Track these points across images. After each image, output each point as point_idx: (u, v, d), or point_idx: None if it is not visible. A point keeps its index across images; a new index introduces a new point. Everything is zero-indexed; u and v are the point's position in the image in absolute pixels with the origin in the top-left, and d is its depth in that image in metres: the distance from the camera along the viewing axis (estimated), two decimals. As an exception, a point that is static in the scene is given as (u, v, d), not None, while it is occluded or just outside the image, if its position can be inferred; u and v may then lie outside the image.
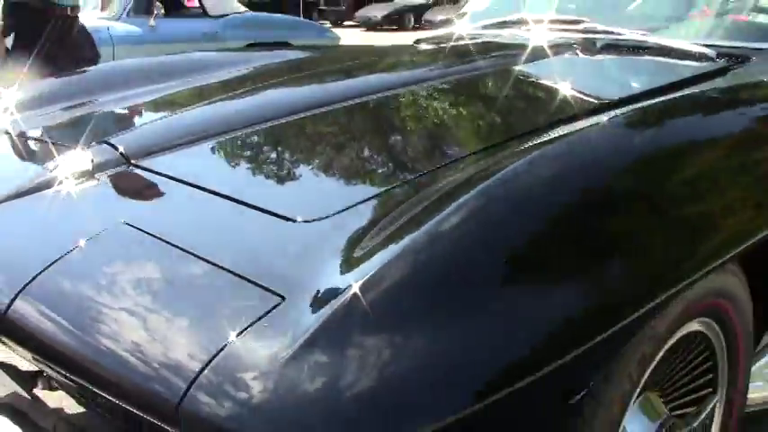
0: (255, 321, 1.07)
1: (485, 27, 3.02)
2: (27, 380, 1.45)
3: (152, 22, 7.64)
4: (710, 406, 1.68)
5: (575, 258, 1.22)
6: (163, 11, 8.00)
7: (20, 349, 1.29)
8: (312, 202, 1.50)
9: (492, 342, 1.06)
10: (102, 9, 7.70)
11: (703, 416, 1.62)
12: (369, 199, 1.41)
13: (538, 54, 2.50)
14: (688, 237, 1.39)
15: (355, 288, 1.05)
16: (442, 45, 2.96)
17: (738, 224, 1.54)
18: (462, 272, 1.12)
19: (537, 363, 1.08)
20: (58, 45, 3.84)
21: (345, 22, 27.79)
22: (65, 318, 1.23)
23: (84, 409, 1.32)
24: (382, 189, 1.48)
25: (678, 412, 1.61)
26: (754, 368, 1.97)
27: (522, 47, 2.57)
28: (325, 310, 1.05)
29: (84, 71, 2.91)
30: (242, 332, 1.06)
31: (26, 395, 1.44)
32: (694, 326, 1.55)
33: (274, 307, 1.10)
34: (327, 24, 24.32)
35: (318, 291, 1.10)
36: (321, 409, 0.96)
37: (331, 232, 1.28)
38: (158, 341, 1.11)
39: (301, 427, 0.95)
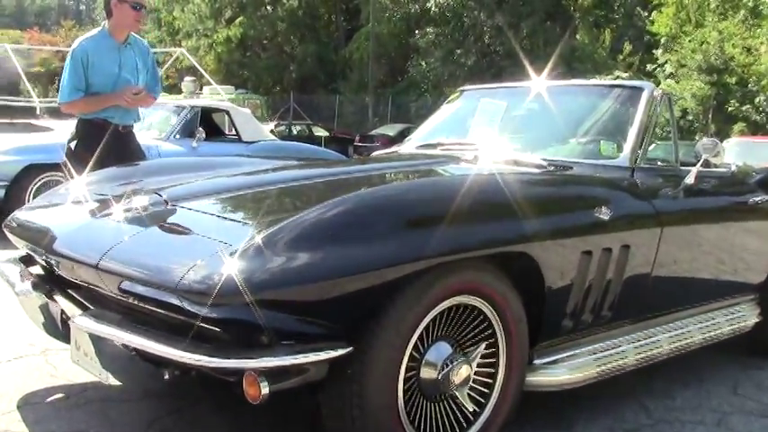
0: (212, 254, 2.35)
1: (417, 147, 4.44)
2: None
3: (194, 143, 8.91)
4: (484, 350, 2.83)
5: (390, 235, 2.48)
6: (204, 135, 9.07)
7: (105, 279, 2.58)
8: (252, 216, 2.87)
9: (326, 264, 2.32)
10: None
11: (476, 353, 2.80)
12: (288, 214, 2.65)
13: (435, 160, 3.89)
14: (454, 236, 2.61)
15: (260, 235, 2.35)
16: (382, 155, 4.39)
17: (492, 235, 2.77)
18: (319, 230, 2.42)
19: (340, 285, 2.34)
20: (109, 152, 4.66)
21: (377, 157, 29.31)
22: (120, 260, 2.56)
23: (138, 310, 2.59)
24: (297, 211, 2.69)
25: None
26: (556, 357, 3.15)
27: (430, 156, 3.96)
28: (245, 246, 2.32)
29: (137, 164, 4.34)
30: (207, 257, 2.33)
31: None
32: (469, 300, 2.74)
33: (221, 248, 2.38)
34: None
35: (245, 242, 2.36)
36: (232, 275, 2.22)
37: (257, 225, 2.58)
38: (175, 262, 2.40)
39: (227, 284, 2.20)
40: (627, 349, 3.43)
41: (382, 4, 38.44)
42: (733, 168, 4.57)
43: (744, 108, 24.34)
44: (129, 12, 4.79)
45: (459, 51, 34.87)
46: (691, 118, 25.51)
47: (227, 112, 10.36)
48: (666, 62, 27.27)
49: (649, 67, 28.53)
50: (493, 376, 2.89)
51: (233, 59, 43.70)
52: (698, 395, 3.88)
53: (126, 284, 2.50)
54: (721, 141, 3.97)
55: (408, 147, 4.63)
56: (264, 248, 2.31)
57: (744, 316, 4.26)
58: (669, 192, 3.70)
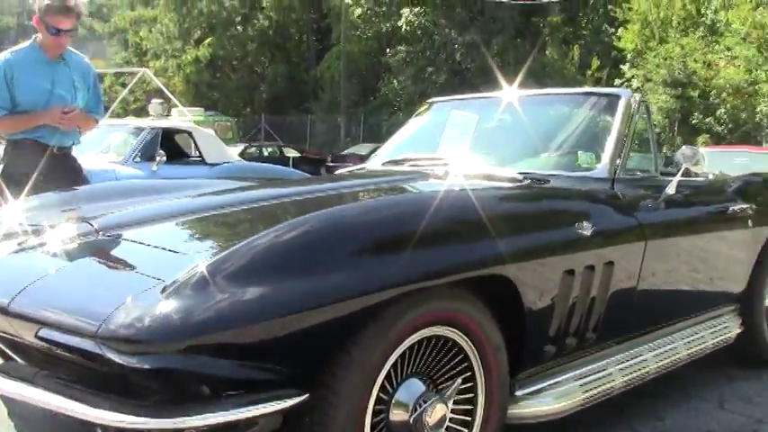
0: (143, 292, 2.05)
1: (384, 164, 4.16)
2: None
3: (154, 167, 8.56)
4: (461, 385, 2.54)
5: (351, 261, 2.21)
6: (165, 158, 8.75)
7: (16, 325, 2.26)
8: (194, 245, 2.60)
9: (279, 299, 2.02)
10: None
11: (451, 390, 2.50)
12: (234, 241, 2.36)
13: (402, 177, 3.64)
14: (423, 260, 2.34)
15: (201, 267, 2.05)
16: (346, 173, 4.11)
17: (465, 257, 2.49)
18: (271, 258, 2.13)
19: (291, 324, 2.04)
20: (45, 177, 4.22)
21: (351, 177, 29.09)
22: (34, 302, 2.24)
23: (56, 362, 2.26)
24: (245, 237, 2.39)
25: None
26: (539, 386, 2.90)
27: (397, 173, 3.70)
28: (183, 280, 2.02)
29: (75, 189, 3.93)
30: (136, 295, 2.02)
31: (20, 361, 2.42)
32: (442, 331, 2.46)
33: (154, 284, 2.08)
34: (332, 178, 25.56)
35: (183, 275, 2.07)
36: (166, 315, 1.92)
37: (199, 255, 2.27)
38: (97, 302, 2.09)
39: (148, 329, 1.91)
40: (613, 372, 3.23)
41: (353, 22, 38.31)
42: (710, 177, 4.46)
43: (706, 120, 24.77)
44: (47, 35, 4.35)
45: (430, 69, 34.75)
46: (658, 131, 25.74)
47: (190, 134, 10.05)
48: (633, 77, 27.54)
49: (617, 81, 28.70)
50: (471, 413, 2.62)
51: (202, 80, 43.09)
52: (687, 414, 3.71)
53: (42, 331, 2.16)
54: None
55: (375, 163, 4.35)
56: (206, 282, 2.01)
57: (727, 327, 4.12)
58: (650, 203, 3.50)
